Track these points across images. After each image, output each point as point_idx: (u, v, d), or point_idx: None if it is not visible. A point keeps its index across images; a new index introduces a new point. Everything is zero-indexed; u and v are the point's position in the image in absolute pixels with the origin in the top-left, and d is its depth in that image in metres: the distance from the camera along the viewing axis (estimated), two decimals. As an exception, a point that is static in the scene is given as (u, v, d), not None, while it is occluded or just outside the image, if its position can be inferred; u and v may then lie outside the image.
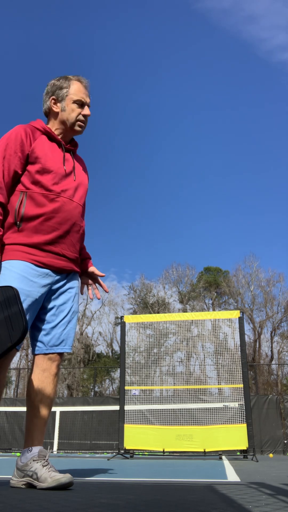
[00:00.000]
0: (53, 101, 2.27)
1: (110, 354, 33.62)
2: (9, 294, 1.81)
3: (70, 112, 2.25)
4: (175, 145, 47.26)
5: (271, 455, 11.04)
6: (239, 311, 7.36)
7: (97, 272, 2.36)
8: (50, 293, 2.11)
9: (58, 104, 2.27)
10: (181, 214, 47.03)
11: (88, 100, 2.30)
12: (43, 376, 2.06)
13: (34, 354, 2.13)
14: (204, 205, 46.57)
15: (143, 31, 44.71)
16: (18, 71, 46.19)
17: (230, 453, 7.95)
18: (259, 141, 46.33)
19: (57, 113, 2.27)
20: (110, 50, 45.99)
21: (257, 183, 46.70)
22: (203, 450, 6.65)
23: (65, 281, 2.15)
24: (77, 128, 2.27)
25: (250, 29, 43.64)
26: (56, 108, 2.27)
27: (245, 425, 6.61)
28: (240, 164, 46.93)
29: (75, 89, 2.27)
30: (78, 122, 2.26)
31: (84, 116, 2.28)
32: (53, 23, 43.61)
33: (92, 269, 2.37)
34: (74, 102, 2.25)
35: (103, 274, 2.36)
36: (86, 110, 2.28)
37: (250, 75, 45.16)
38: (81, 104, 2.27)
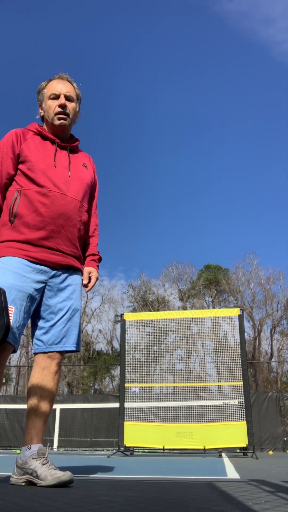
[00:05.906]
0: (39, 107, 2.28)
1: (110, 351, 33.65)
2: None
3: (48, 109, 2.22)
4: (176, 145, 47.23)
5: (270, 452, 11.07)
6: (239, 308, 7.37)
7: (85, 276, 2.30)
8: (48, 291, 2.10)
9: (42, 106, 2.26)
10: (181, 212, 47.03)
11: (64, 89, 2.20)
12: (43, 374, 2.06)
13: (34, 353, 2.13)
14: (204, 203, 46.58)
15: (160, 33, 44.70)
16: (20, 72, 46.07)
17: (230, 451, 7.97)
18: (262, 140, 46.31)
19: (43, 116, 2.27)
20: (126, 52, 45.96)
21: (257, 181, 46.70)
22: (203, 448, 6.66)
23: (64, 278, 2.14)
24: (56, 121, 2.20)
25: (266, 31, 43.71)
26: (41, 112, 2.28)
27: (245, 422, 6.62)
28: (240, 163, 46.90)
29: (49, 86, 2.23)
30: (57, 116, 2.20)
31: (61, 106, 2.19)
32: (69, 23, 43.47)
33: (87, 269, 2.32)
34: (49, 98, 2.21)
35: (85, 282, 2.29)
36: (61, 99, 2.19)
37: (266, 76, 45.20)
38: (55, 96, 2.21)
